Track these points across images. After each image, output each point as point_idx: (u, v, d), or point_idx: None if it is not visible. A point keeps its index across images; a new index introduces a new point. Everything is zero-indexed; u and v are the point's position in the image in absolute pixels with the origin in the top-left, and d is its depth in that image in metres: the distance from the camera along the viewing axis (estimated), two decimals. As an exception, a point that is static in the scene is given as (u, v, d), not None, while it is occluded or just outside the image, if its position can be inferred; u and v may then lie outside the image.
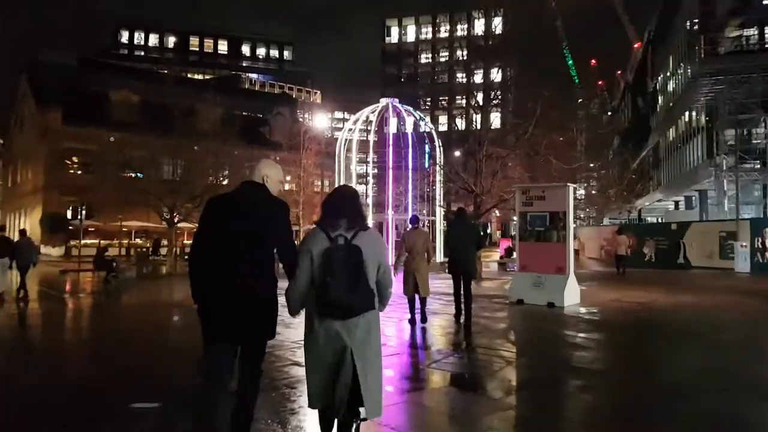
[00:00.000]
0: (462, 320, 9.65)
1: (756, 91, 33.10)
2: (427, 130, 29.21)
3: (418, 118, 28.36)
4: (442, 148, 26.73)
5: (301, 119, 32.30)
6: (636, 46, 77.43)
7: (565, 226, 12.47)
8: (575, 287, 12.75)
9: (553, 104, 17.78)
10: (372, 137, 29.26)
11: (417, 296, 9.59)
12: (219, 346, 3.35)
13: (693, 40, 38.63)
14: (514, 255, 32.57)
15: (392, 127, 29.94)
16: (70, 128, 36.57)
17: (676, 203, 53.12)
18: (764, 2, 34.71)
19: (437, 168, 24.27)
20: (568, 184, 12.67)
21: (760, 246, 23.55)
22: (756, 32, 35.24)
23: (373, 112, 29.04)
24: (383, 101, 29.09)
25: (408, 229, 10.33)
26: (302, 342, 3.40)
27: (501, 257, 28.62)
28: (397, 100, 29.34)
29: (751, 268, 22.81)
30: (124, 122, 36.07)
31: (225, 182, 44.58)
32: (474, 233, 10.59)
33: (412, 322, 9.58)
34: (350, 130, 29.44)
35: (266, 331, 3.43)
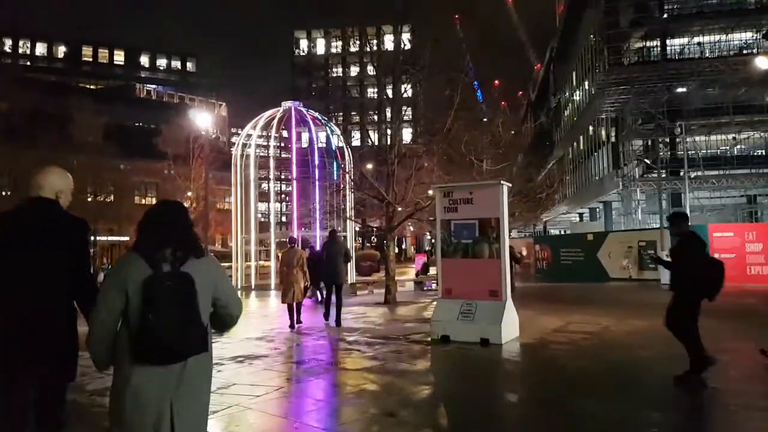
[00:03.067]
0: (331, 319, 11.16)
1: (661, 100, 32.29)
2: (336, 140, 25.82)
3: (324, 122, 24.86)
4: (352, 160, 23.41)
5: (196, 128, 27.64)
6: (537, 67, 78.69)
7: (498, 236, 9.32)
8: (513, 316, 9.57)
9: (467, 106, 14.96)
10: (273, 144, 25.35)
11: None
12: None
13: (597, 52, 37.96)
14: (432, 271, 29.93)
15: (295, 134, 26.29)
16: None
17: (581, 215, 52.81)
18: (665, 15, 34.24)
19: (347, 178, 20.91)
20: (502, 181, 9.54)
21: (680, 255, 21.78)
22: (658, 44, 34.71)
23: (272, 118, 25.24)
24: (285, 104, 25.39)
25: (287, 248, 11.68)
26: None
27: (417, 274, 25.55)
28: (300, 103, 25.72)
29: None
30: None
31: (110, 199, 39.41)
32: (343, 250, 11.93)
33: (291, 326, 10.86)
34: (248, 136, 25.41)
35: (59, 372, 2.97)
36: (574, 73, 48.29)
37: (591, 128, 43.27)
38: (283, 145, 34.51)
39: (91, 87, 53.25)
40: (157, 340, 2.39)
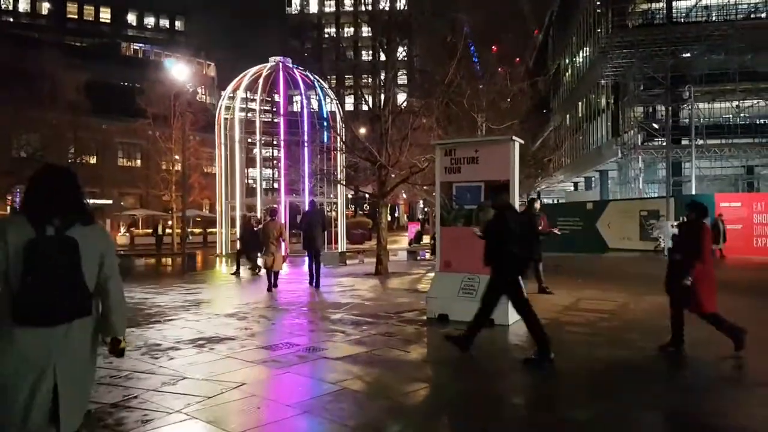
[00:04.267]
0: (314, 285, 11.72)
1: (666, 65, 30.60)
2: (328, 103, 24.08)
3: (314, 81, 23.11)
4: (344, 120, 21.76)
5: (178, 85, 25.74)
6: (535, 32, 76.14)
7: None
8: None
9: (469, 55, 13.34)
10: (258, 105, 23.62)
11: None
12: None
13: (600, 14, 36.09)
14: (425, 239, 28.62)
15: (283, 94, 24.55)
16: None
17: (576, 184, 51.52)
18: (672, -25, 32.31)
19: (338, 140, 19.35)
20: (513, 137, 8.06)
21: (686, 225, 20.50)
22: (664, 6, 32.84)
23: (258, 76, 23.45)
24: (273, 60, 23.57)
25: (267, 220, 12.31)
26: None
27: (410, 243, 24.24)
28: (289, 60, 23.89)
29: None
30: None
31: (93, 161, 37.53)
32: (321, 219, 12.65)
33: (269, 289, 11.43)
34: (230, 97, 23.64)
35: None
36: (574, 38, 46.35)
37: (590, 95, 41.65)
38: (271, 109, 32.70)
39: (76, 44, 50.59)
40: (35, 301, 2.40)
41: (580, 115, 46.39)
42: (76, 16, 66.09)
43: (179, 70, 24.90)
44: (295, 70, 23.65)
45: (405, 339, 6.81)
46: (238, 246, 16.03)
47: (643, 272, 14.99)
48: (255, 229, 14.89)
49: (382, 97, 12.81)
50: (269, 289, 11.41)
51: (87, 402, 2.68)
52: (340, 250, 21.69)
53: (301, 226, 13.01)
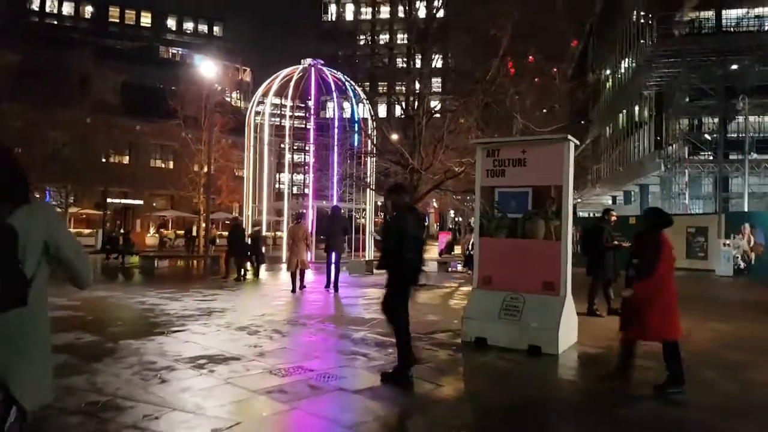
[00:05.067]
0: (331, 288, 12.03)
1: (715, 75, 28.87)
2: (360, 108, 23.25)
3: (345, 83, 22.30)
4: (375, 123, 20.90)
5: (209, 85, 25.31)
6: (573, 43, 74.31)
7: (560, 211, 6.81)
8: (573, 318, 7.15)
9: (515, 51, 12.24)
10: (288, 108, 22.93)
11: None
12: None
13: (644, 24, 34.52)
14: (457, 250, 27.38)
15: (314, 97, 23.82)
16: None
17: (614, 198, 49.57)
18: (722, -17, 30.56)
19: (369, 143, 18.50)
20: (568, 137, 6.97)
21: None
22: (713, 14, 31.10)
23: (289, 78, 22.79)
24: (305, 62, 22.88)
25: (293, 224, 13.27)
26: None
27: (440, 253, 23.12)
28: (321, 62, 23.16)
29: (734, 271, 18.20)
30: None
31: (125, 161, 37.46)
32: (343, 224, 13.02)
33: (293, 290, 11.86)
34: (260, 101, 23.04)
35: None
36: (615, 48, 44.69)
37: (631, 106, 39.93)
38: (303, 113, 32.03)
39: (116, 47, 51.22)
40: None
41: (620, 127, 44.62)
42: (117, 20, 67.28)
43: (208, 68, 24.42)
44: (327, 72, 22.91)
45: (437, 368, 5.75)
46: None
47: (696, 293, 13.60)
48: (249, 236, 15.42)
49: (417, 91, 11.80)
50: (293, 291, 11.83)
51: (46, 389, 2.42)
52: (367, 259, 20.70)
53: (323, 229, 13.48)
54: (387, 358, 6.07)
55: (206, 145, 24.47)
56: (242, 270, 14.96)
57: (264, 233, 22.51)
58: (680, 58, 29.50)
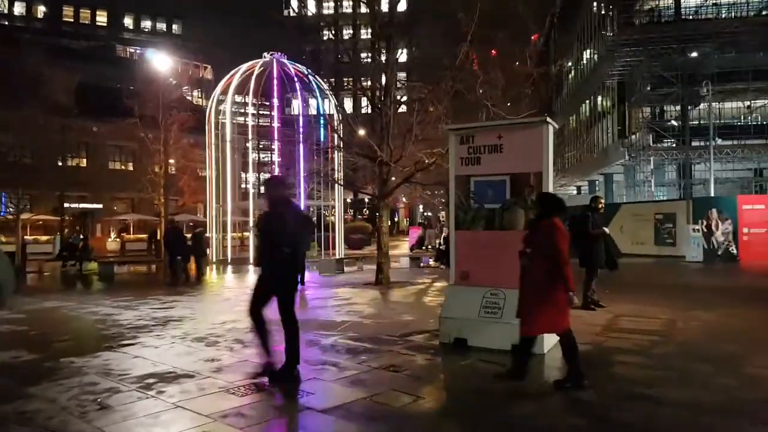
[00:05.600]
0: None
1: (676, 62, 29.09)
2: (324, 103, 22.52)
3: (309, 79, 21.56)
4: (341, 116, 20.27)
5: (164, 79, 24.26)
6: (534, 37, 74.81)
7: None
8: (557, 312, 6.67)
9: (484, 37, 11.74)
10: (250, 106, 22.10)
11: None
12: None
13: (605, 15, 34.66)
14: (429, 246, 26.93)
15: (277, 93, 23.04)
16: None
17: (579, 188, 50.00)
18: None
19: (335, 137, 17.90)
20: (547, 119, 6.48)
21: (705, 230, 18.94)
22: (672, 2, 31.32)
23: (250, 73, 21.94)
24: (267, 56, 22.05)
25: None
26: None
27: (411, 248, 22.62)
28: (284, 56, 22.38)
29: (704, 256, 18.18)
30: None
31: (83, 164, 35.82)
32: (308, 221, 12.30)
33: None
34: (220, 99, 22.17)
35: None
36: (576, 39, 44.92)
37: (594, 96, 40.16)
38: (265, 112, 31.18)
39: (70, 47, 49.08)
40: None
41: (583, 117, 44.93)
42: (72, 20, 64.66)
43: (162, 62, 23.39)
44: (289, 66, 22.13)
45: (415, 376, 5.18)
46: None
47: (672, 281, 13.41)
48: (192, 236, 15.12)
49: (383, 83, 11.20)
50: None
51: None
52: (337, 257, 20.06)
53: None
54: (360, 366, 5.48)
55: (165, 144, 23.36)
56: (179, 272, 14.65)
57: (227, 232, 21.69)
58: (641, 46, 29.62)
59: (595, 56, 38.05)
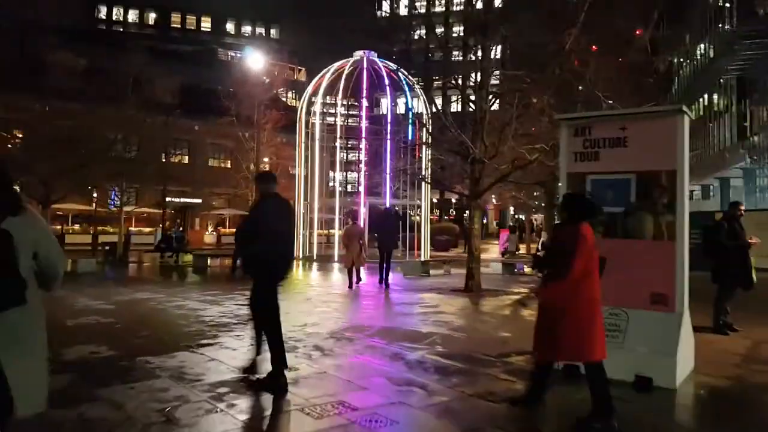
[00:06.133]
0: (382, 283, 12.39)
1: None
2: (414, 101, 21.92)
3: (401, 78, 20.99)
4: (430, 112, 19.57)
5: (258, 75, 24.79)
6: (638, 32, 70.26)
7: (673, 203, 5.26)
8: (690, 339, 5.54)
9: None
10: (338, 106, 21.91)
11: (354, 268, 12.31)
12: None
13: (722, 5, 31.46)
14: (522, 249, 25.49)
15: (366, 90, 22.70)
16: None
17: (691, 193, 46.07)
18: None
19: (424, 133, 17.26)
20: (683, 107, 5.39)
21: None
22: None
23: (341, 71, 21.74)
24: (357, 54, 21.76)
25: (350, 224, 13.51)
26: None
27: (502, 253, 21.42)
28: (375, 53, 21.99)
29: None
30: (62, 90, 28.17)
31: (185, 161, 37.57)
32: (395, 221, 14.62)
33: (350, 286, 12.18)
34: (312, 99, 22.18)
35: None
36: (689, 33, 41.29)
37: (710, 94, 36.65)
38: (354, 113, 31.09)
39: (177, 51, 52.13)
40: None
41: (696, 116, 41.25)
42: (179, 25, 68.72)
43: (256, 62, 23.78)
44: (380, 64, 21.70)
45: (519, 410, 4.32)
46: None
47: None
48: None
49: (478, 74, 10.29)
50: (350, 287, 12.08)
51: (44, 387, 2.63)
52: (423, 259, 19.33)
53: (375, 227, 14.17)
54: (452, 392, 4.71)
55: (260, 144, 23.78)
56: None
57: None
58: (765, 38, 26.45)
59: (711, 51, 34.68)
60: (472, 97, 10.43)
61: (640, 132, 5.48)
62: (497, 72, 10.38)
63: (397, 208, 23.75)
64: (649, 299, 5.28)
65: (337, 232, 21.39)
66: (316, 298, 10.92)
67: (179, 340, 6.65)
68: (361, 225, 14.97)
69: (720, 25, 31.79)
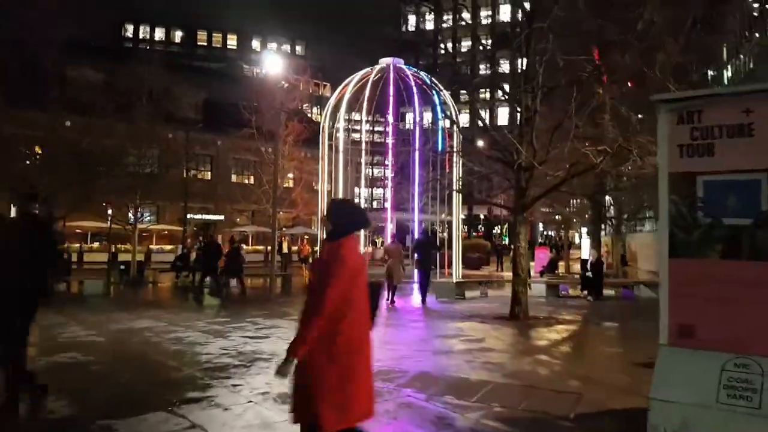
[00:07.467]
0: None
1: None
2: (444, 111, 20.54)
3: (428, 82, 19.64)
4: (459, 127, 18.08)
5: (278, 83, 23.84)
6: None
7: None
8: None
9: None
10: (363, 119, 20.61)
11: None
12: None
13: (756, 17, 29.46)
14: (561, 269, 23.58)
15: (393, 101, 21.41)
16: (14, 110, 28.66)
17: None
18: None
19: (455, 139, 15.94)
20: None
21: None
22: None
23: (365, 80, 20.51)
24: (383, 62, 20.49)
25: (389, 242, 14.64)
26: None
27: (540, 273, 19.64)
28: (402, 61, 20.71)
29: None
30: (83, 105, 27.48)
31: (207, 177, 36.66)
32: (433, 243, 17.20)
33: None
34: (336, 108, 21.01)
35: None
36: (724, 46, 39.16)
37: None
38: (380, 129, 29.84)
39: (201, 67, 52.07)
40: None
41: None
42: (205, 43, 69.05)
43: (273, 62, 22.73)
44: (408, 72, 20.38)
45: None
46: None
47: None
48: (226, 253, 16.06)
49: (524, 65, 8.73)
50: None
51: None
52: (455, 280, 17.69)
53: (415, 250, 14.22)
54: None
55: (284, 159, 22.61)
56: (204, 288, 15.46)
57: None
58: None
59: (750, 62, 32.54)
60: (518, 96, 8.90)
61: (777, 115, 3.92)
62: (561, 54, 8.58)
63: (435, 228, 22.41)
64: (800, 347, 3.68)
65: (362, 249, 19.97)
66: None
67: (161, 392, 5.23)
68: (399, 246, 13.95)
69: (756, 26, 29.76)
